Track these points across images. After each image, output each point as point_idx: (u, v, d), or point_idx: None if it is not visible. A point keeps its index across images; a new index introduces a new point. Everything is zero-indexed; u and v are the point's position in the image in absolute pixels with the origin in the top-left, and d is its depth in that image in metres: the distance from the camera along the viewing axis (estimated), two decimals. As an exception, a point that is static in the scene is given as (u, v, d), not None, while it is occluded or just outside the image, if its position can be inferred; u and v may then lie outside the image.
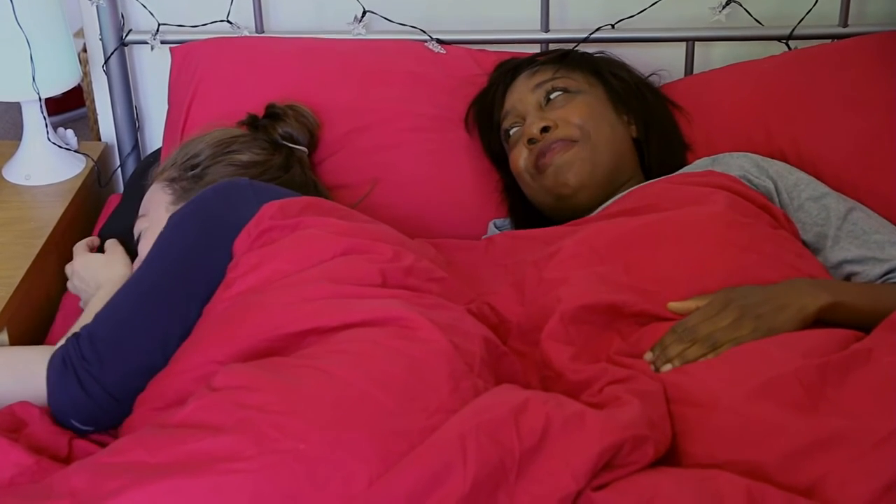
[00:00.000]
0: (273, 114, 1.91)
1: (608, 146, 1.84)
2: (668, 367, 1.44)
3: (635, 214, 1.69)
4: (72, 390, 1.45)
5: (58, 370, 1.46)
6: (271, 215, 1.53)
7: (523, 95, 1.91)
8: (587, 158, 1.81)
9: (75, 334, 1.49)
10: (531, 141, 1.84)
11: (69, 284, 1.83)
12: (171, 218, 1.57)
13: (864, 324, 1.49)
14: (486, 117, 1.99)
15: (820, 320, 1.49)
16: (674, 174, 1.83)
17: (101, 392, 1.44)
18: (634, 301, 1.51)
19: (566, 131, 1.83)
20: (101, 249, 1.87)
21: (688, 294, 1.52)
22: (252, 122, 1.90)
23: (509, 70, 1.98)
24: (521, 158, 1.87)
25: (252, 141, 1.83)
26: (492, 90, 1.99)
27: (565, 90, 1.87)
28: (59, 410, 1.46)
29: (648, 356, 1.47)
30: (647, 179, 1.89)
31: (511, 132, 1.91)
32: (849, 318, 1.50)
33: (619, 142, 1.86)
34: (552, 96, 1.88)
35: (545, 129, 1.83)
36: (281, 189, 1.64)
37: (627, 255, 1.59)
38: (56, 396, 1.45)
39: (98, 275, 1.74)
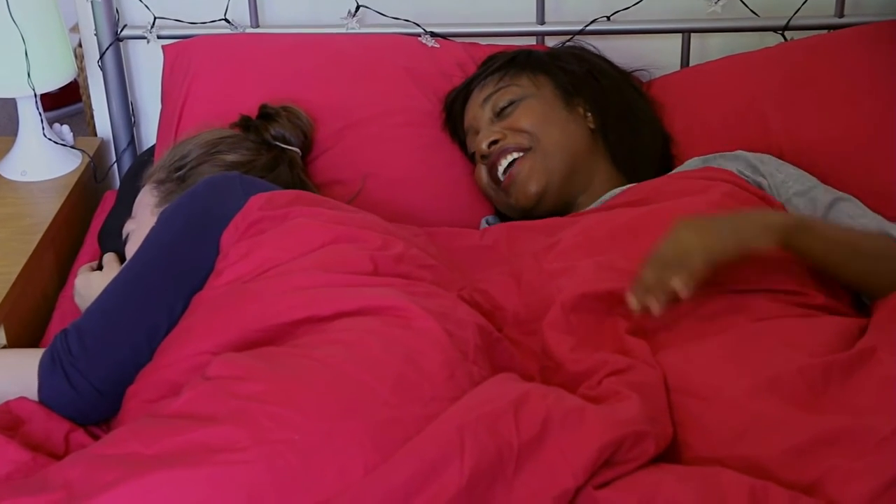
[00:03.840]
0: (266, 114, 1.92)
1: (559, 148, 1.85)
2: (655, 305, 1.40)
3: (634, 206, 1.69)
4: (59, 385, 1.45)
5: (46, 366, 1.46)
6: (260, 206, 1.53)
7: (476, 112, 1.93)
8: (541, 166, 1.83)
9: (63, 330, 1.49)
10: (484, 157, 1.87)
11: (75, 298, 1.83)
12: (161, 213, 1.58)
13: (832, 258, 1.51)
14: (456, 135, 2.01)
15: (793, 249, 1.49)
16: (669, 174, 1.82)
17: (87, 386, 1.44)
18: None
19: (514, 139, 1.85)
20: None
21: None
22: (244, 123, 1.90)
23: (462, 88, 2.00)
24: (481, 177, 1.91)
25: (240, 141, 1.83)
26: (453, 109, 2.00)
27: (512, 100, 1.88)
28: (48, 406, 1.46)
29: (633, 302, 1.43)
30: (617, 170, 1.89)
31: (473, 151, 1.93)
32: (816, 244, 1.50)
33: (571, 140, 1.86)
34: (500, 107, 1.89)
35: (493, 143, 1.86)
36: (270, 184, 1.64)
37: (626, 244, 1.58)
38: (45, 392, 1.45)
39: (95, 292, 1.74)
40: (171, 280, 1.50)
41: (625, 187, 1.81)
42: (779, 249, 1.49)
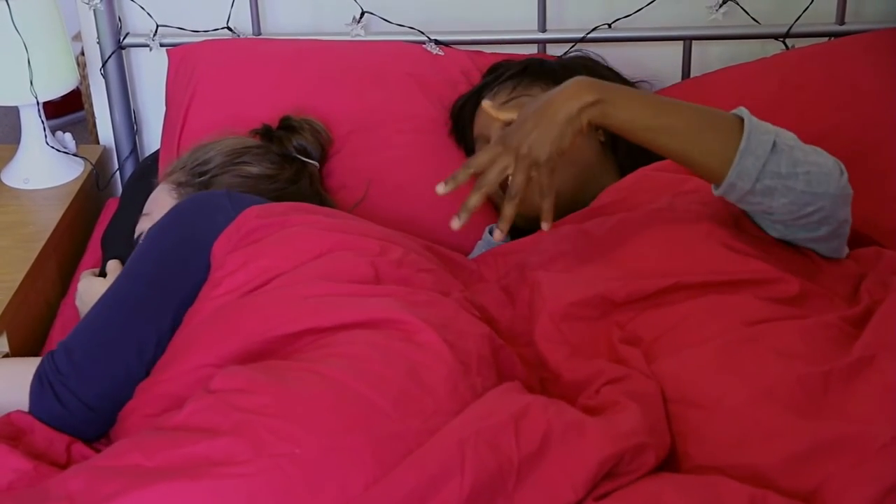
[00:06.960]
0: (289, 126, 1.91)
1: (569, 162, 1.78)
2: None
3: (611, 211, 1.68)
4: (49, 405, 1.44)
5: (35, 388, 1.45)
6: (257, 214, 1.52)
7: (487, 121, 1.90)
8: None
9: (50, 351, 1.48)
10: None
11: (76, 301, 1.83)
12: (149, 230, 1.57)
13: (641, 128, 1.50)
14: (463, 141, 2.01)
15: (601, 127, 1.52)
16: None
17: (77, 404, 1.44)
18: (620, 284, 1.50)
19: None
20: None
21: (669, 271, 1.51)
22: (266, 133, 1.89)
23: (472, 95, 1.98)
24: None
25: (264, 153, 1.82)
26: (462, 115, 1.99)
27: None
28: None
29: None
30: None
31: None
32: (621, 115, 1.49)
33: (582, 154, 1.83)
34: None
35: None
36: (259, 199, 1.63)
37: (607, 254, 1.58)
38: (35, 413, 1.45)
39: (97, 298, 1.74)
40: (159, 297, 1.49)
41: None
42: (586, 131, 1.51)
